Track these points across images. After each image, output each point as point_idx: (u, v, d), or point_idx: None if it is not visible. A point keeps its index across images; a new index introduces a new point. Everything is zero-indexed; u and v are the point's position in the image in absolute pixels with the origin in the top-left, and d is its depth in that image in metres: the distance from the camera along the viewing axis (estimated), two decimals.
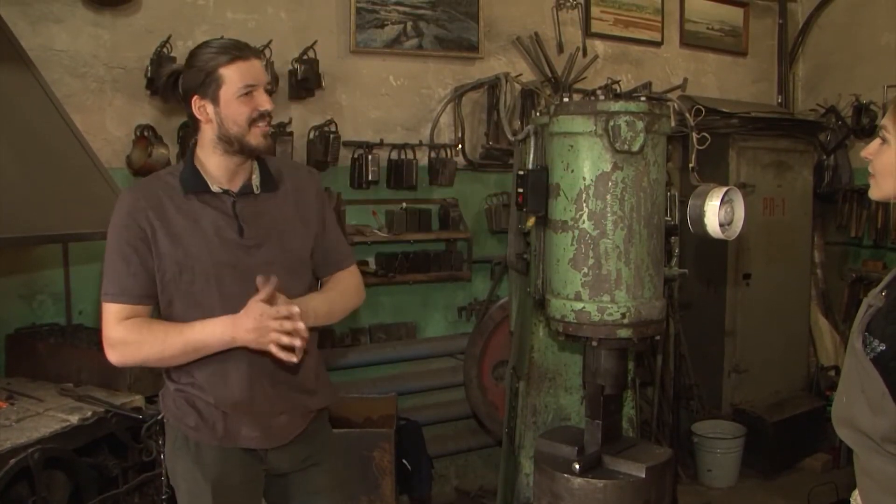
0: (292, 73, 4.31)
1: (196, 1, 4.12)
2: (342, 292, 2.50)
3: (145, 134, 3.91)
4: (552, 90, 4.99)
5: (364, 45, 4.57)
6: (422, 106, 4.78)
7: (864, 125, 5.58)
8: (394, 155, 4.62)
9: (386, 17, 4.62)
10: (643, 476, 2.55)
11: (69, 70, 3.81)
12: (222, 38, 2.34)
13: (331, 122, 4.40)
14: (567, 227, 2.55)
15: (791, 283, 5.71)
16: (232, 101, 2.20)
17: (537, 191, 2.65)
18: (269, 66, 4.12)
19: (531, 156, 2.80)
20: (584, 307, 2.52)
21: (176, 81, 2.29)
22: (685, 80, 5.64)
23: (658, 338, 2.70)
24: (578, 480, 2.54)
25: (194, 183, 2.27)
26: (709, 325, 5.48)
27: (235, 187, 2.30)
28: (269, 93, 2.28)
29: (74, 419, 2.83)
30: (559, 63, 5.14)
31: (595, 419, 2.63)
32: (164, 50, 3.89)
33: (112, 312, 2.22)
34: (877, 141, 1.85)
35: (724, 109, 5.28)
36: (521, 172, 2.70)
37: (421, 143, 4.70)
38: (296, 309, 2.14)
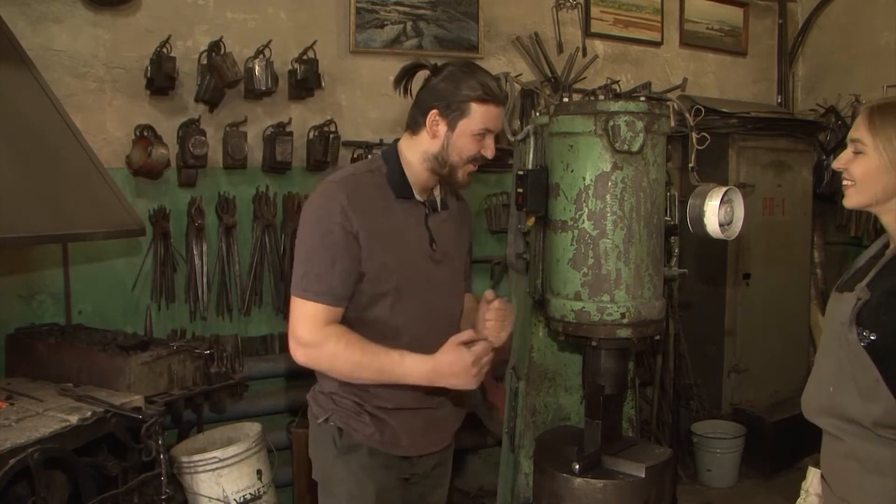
0: (292, 73, 4.31)
1: (196, 1, 4.12)
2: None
3: (145, 134, 3.91)
4: (552, 90, 4.99)
5: (364, 45, 4.57)
6: None
7: None
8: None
9: (386, 17, 4.62)
10: (643, 476, 2.54)
11: (69, 70, 3.81)
12: (472, 64, 2.37)
13: (330, 121, 4.40)
14: (567, 227, 2.55)
15: (791, 283, 5.71)
16: (466, 135, 2.27)
17: (537, 191, 2.65)
18: (269, 65, 4.12)
19: (531, 156, 2.79)
20: (583, 307, 2.52)
21: (414, 73, 2.40)
22: (685, 79, 5.65)
23: (658, 338, 2.69)
24: (578, 480, 2.54)
25: (403, 188, 2.30)
26: (708, 325, 5.48)
27: (423, 199, 2.37)
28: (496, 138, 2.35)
29: (74, 419, 2.83)
30: (559, 63, 5.14)
31: (595, 419, 2.63)
32: (164, 50, 3.90)
33: (310, 311, 2.17)
34: (848, 151, 1.97)
35: (724, 109, 5.28)
36: (521, 172, 2.70)
37: None
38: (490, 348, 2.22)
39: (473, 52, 4.86)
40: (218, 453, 3.38)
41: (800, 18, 6.29)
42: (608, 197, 2.49)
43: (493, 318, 2.32)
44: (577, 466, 2.55)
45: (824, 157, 5.78)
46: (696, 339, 5.38)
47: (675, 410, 5.19)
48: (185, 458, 3.36)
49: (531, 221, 2.74)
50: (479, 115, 2.25)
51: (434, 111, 2.28)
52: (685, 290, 5.25)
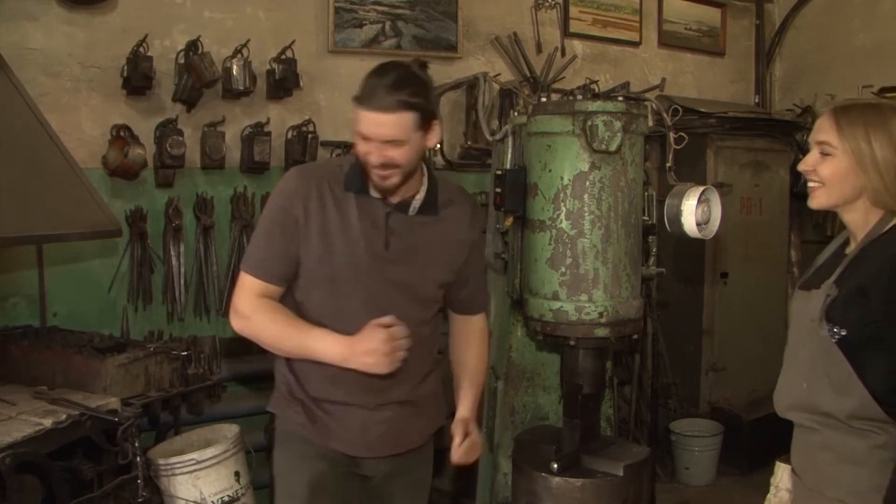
0: (270, 72, 4.29)
1: (173, 0, 4.09)
2: (480, 357, 2.56)
3: (121, 134, 3.88)
4: (531, 90, 4.99)
5: (342, 45, 4.56)
6: None
7: None
8: None
9: (364, 16, 4.61)
10: (621, 475, 2.56)
11: (43, 69, 3.77)
12: (383, 64, 2.25)
13: (309, 121, 4.38)
14: (545, 227, 2.56)
15: (768, 282, 5.75)
16: (354, 136, 2.19)
17: (515, 190, 2.66)
18: (247, 65, 4.10)
19: (509, 155, 2.80)
20: (561, 306, 2.53)
21: None
22: (663, 79, 5.67)
23: (636, 337, 2.71)
24: (556, 479, 2.55)
25: (355, 183, 2.27)
26: (687, 324, 5.51)
27: (395, 200, 2.28)
28: (400, 144, 2.14)
29: (48, 423, 2.79)
30: (538, 63, 5.15)
31: (573, 418, 2.64)
32: (141, 49, 3.86)
33: (247, 284, 2.28)
34: (814, 153, 2.00)
35: (702, 109, 5.31)
36: (499, 172, 2.71)
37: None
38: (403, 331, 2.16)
39: (452, 51, 4.86)
40: (195, 455, 3.35)
41: (777, 19, 6.33)
42: (586, 196, 2.50)
43: (460, 455, 2.35)
44: (556, 466, 2.56)
45: (801, 156, 5.81)
46: (674, 339, 5.40)
47: (654, 409, 5.21)
48: (161, 461, 3.33)
49: (509, 221, 2.75)
50: (357, 118, 2.15)
51: None
52: (663, 290, 5.28)
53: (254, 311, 2.25)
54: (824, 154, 1.97)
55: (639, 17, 5.74)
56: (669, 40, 5.93)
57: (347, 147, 4.47)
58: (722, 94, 6.21)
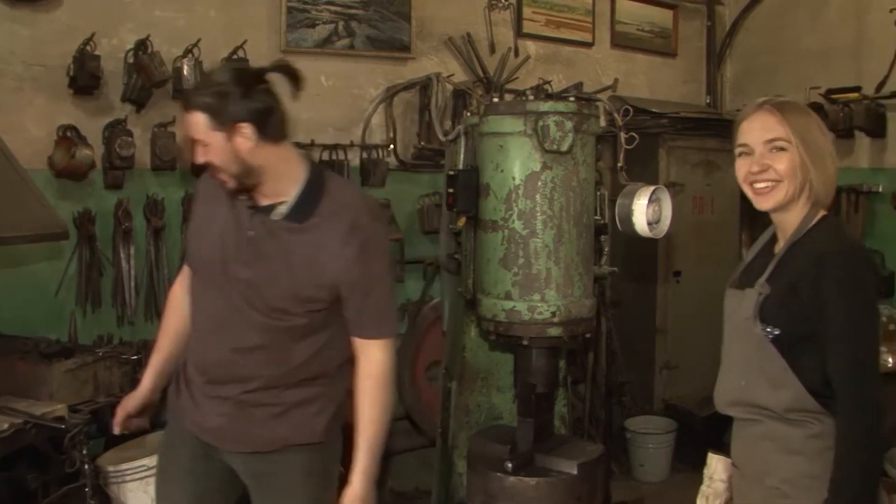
0: None
1: None
2: (373, 404, 2.28)
3: (68, 134, 3.79)
4: (484, 90, 5.00)
5: (295, 45, 4.52)
6: (353, 106, 4.75)
7: None
8: (325, 155, 4.57)
9: (317, 16, 4.57)
10: (575, 473, 2.57)
11: None
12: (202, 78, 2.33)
13: None
14: (497, 227, 2.56)
15: (720, 281, 5.65)
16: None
17: (467, 191, 2.66)
18: (198, 65, 4.04)
19: (461, 156, 2.80)
20: (514, 306, 2.53)
21: None
22: (616, 80, 5.72)
23: (588, 336, 2.73)
24: (511, 479, 2.56)
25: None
26: (640, 322, 5.56)
27: (263, 202, 2.24)
28: (205, 145, 2.15)
29: None
30: (491, 63, 5.16)
31: (527, 417, 2.65)
32: (88, 48, 3.79)
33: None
34: (762, 153, 1.98)
35: (654, 109, 5.36)
36: (452, 173, 2.71)
37: (352, 144, 4.67)
38: None
39: (406, 52, 4.84)
40: (146, 461, 3.28)
41: (727, 21, 6.41)
42: (538, 196, 2.51)
43: None
44: (510, 465, 2.56)
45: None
46: (627, 337, 5.45)
47: (608, 407, 5.25)
48: (111, 468, 3.26)
49: (462, 221, 2.74)
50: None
51: None
52: (617, 289, 5.32)
53: (168, 300, 2.57)
54: (779, 149, 1.97)
55: (591, 18, 5.78)
56: (622, 41, 5.98)
57: (301, 147, 4.43)
58: (674, 94, 6.27)
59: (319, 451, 2.38)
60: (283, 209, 2.22)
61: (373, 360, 2.28)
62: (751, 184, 2.03)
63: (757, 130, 2.00)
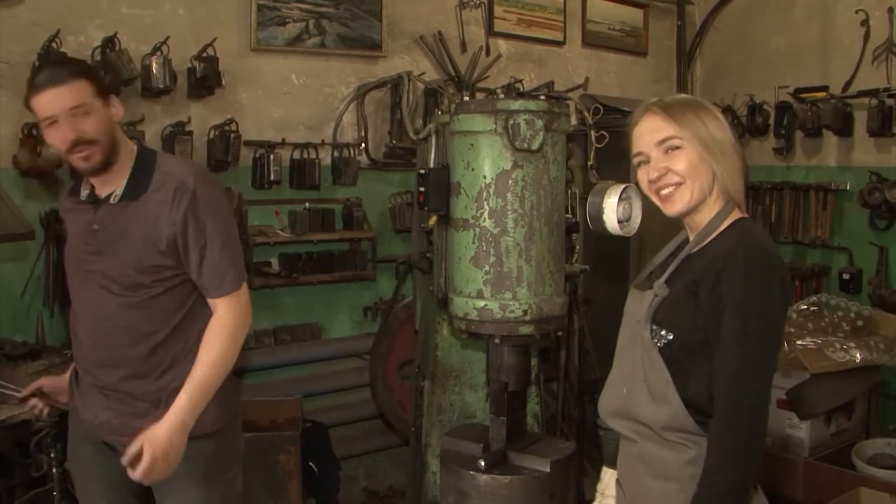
0: (191, 70, 4.20)
1: None
2: (210, 349, 2.28)
3: (33, 133, 3.74)
4: (455, 89, 5.00)
5: (265, 43, 4.49)
6: (325, 105, 4.73)
7: (759, 124, 5.79)
8: (296, 154, 4.55)
9: (288, 14, 4.55)
10: (548, 470, 2.58)
11: None
12: (44, 60, 2.37)
13: (231, 121, 4.30)
14: (468, 226, 2.56)
15: None
16: (46, 131, 2.23)
17: (439, 189, 2.65)
18: (167, 63, 4.00)
19: (432, 154, 2.80)
20: (486, 305, 2.53)
21: None
22: (587, 79, 5.74)
23: (560, 334, 2.74)
24: (484, 477, 2.56)
25: (72, 188, 2.42)
26: (612, 320, 5.50)
27: (104, 193, 2.31)
28: (86, 113, 2.19)
29: None
30: (462, 62, 5.16)
31: (499, 416, 2.65)
32: (53, 45, 3.74)
33: None
34: (657, 157, 1.87)
35: (625, 108, 5.37)
36: (423, 171, 2.70)
37: (324, 143, 4.65)
38: None
39: (377, 50, 4.83)
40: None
41: (697, 21, 6.47)
42: (509, 195, 2.51)
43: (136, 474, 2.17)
44: (483, 463, 2.56)
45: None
46: (600, 335, 5.46)
47: (581, 405, 5.27)
48: None
49: (433, 220, 2.74)
50: (35, 109, 2.20)
51: None
52: (589, 287, 5.34)
53: None
54: (674, 148, 1.85)
55: (563, 17, 5.80)
56: (593, 40, 6.01)
57: (271, 146, 4.41)
58: (645, 93, 6.30)
59: (213, 442, 2.36)
60: (118, 192, 2.29)
61: (217, 316, 2.30)
62: (656, 192, 1.90)
63: (647, 135, 1.89)
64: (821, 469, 3.86)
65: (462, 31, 5.23)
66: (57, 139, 2.18)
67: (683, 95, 1.97)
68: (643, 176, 1.92)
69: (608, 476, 2.12)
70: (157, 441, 2.12)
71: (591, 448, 5.22)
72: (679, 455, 1.78)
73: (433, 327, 3.04)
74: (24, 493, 2.85)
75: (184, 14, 4.27)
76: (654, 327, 1.82)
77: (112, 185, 2.29)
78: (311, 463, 3.98)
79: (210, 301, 2.32)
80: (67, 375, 2.51)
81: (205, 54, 4.20)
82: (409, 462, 3.27)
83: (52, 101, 2.15)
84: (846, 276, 5.22)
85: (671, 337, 1.79)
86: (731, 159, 1.85)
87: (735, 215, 1.87)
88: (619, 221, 2.67)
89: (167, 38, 4.03)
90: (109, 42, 3.91)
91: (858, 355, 3.89)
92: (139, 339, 2.29)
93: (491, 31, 5.38)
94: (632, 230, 2.77)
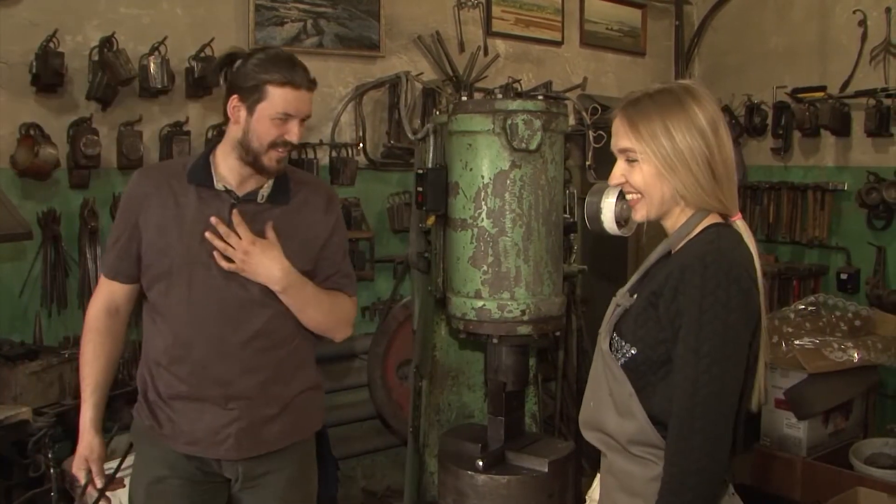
0: (189, 70, 4.20)
1: None
2: (336, 303, 2.40)
3: (31, 133, 3.74)
4: (453, 89, 5.00)
5: (263, 43, 4.48)
6: (322, 105, 4.72)
7: (757, 124, 5.79)
8: (294, 154, 4.55)
9: (286, 14, 4.55)
10: (546, 470, 2.58)
11: None
12: (277, 50, 2.36)
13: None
14: (466, 226, 2.56)
15: None
16: (265, 119, 2.20)
17: (437, 189, 2.65)
18: (165, 63, 4.00)
19: (430, 154, 2.80)
20: (484, 305, 2.54)
21: (231, 62, 2.29)
22: (585, 79, 5.74)
23: (558, 333, 2.74)
24: (482, 477, 2.56)
25: (199, 175, 2.29)
26: None
27: (242, 192, 2.29)
28: (303, 121, 2.29)
29: None
30: (460, 62, 5.16)
31: (498, 416, 2.66)
32: (51, 45, 3.73)
33: (101, 284, 2.41)
34: (621, 162, 1.82)
35: None
36: (421, 171, 2.70)
37: (322, 143, 4.64)
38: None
39: (375, 50, 4.83)
40: (112, 464, 3.25)
41: (695, 20, 6.47)
42: (507, 195, 2.51)
43: None
44: (481, 463, 2.57)
45: None
46: (598, 334, 5.47)
47: (579, 405, 5.27)
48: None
49: (431, 220, 2.74)
50: (277, 99, 2.19)
51: (234, 96, 2.24)
52: (587, 287, 5.34)
53: (90, 329, 2.37)
54: (632, 160, 1.78)
55: (561, 17, 5.80)
56: (591, 40, 6.01)
57: None
58: None
59: (311, 443, 2.46)
60: (265, 191, 2.30)
61: (345, 299, 2.45)
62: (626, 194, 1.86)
63: (614, 136, 1.83)
64: (818, 469, 3.86)
65: (460, 31, 5.23)
66: (279, 135, 2.22)
67: (667, 88, 1.81)
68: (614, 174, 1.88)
69: (597, 481, 2.08)
70: (266, 243, 2.22)
71: (589, 448, 5.22)
72: (645, 471, 1.72)
73: (431, 327, 3.04)
74: (21, 494, 2.85)
75: (182, 14, 4.26)
76: (617, 339, 1.77)
77: (251, 186, 2.30)
78: None
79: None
80: (98, 440, 2.41)
81: (203, 54, 4.19)
82: (406, 462, 3.26)
83: (305, 102, 2.25)
84: (844, 276, 5.22)
85: (634, 351, 1.72)
86: (690, 169, 1.72)
87: (709, 220, 1.78)
88: (617, 221, 2.66)
89: (165, 38, 4.02)
90: (107, 42, 3.90)
91: (856, 355, 3.90)
92: (281, 343, 2.31)
93: (489, 31, 5.38)
94: (630, 230, 2.76)
